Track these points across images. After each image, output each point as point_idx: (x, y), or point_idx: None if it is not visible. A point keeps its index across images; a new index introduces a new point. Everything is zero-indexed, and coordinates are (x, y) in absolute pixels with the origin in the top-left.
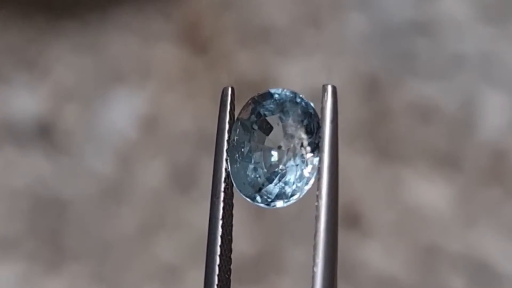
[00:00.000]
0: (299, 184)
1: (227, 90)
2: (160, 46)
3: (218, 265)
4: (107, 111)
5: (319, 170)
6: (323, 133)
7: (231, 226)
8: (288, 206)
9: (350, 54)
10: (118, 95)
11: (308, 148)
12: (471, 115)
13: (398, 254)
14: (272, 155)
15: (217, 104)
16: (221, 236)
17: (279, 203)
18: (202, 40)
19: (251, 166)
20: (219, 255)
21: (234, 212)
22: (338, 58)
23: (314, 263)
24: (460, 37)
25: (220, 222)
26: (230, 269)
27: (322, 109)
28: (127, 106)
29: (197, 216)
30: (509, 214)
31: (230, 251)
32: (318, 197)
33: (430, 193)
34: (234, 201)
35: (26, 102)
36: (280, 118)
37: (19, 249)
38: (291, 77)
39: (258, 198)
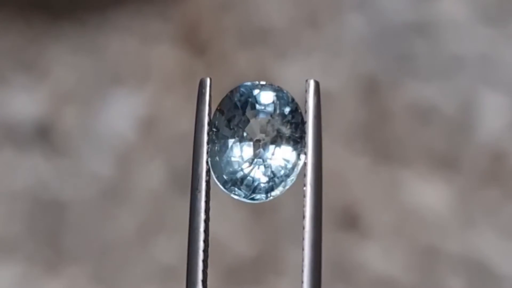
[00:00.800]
0: (280, 179)
1: (205, 81)
2: (159, 47)
3: (203, 260)
4: (106, 113)
5: (304, 165)
6: (307, 128)
7: (209, 219)
8: (269, 200)
9: (348, 56)
10: (117, 96)
11: (290, 142)
12: (470, 116)
13: (397, 255)
14: (251, 148)
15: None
16: (204, 231)
17: (259, 197)
18: (201, 41)
19: (231, 159)
20: (203, 250)
21: (233, 212)
22: (337, 59)
23: (303, 262)
24: (459, 38)
25: (203, 217)
26: (207, 264)
27: (306, 104)
28: (126, 108)
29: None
30: (508, 215)
31: (208, 245)
32: (304, 193)
33: (428, 194)
34: (232, 201)
35: (25, 103)
36: (261, 111)
37: (18, 251)
38: (290, 78)
39: (238, 192)
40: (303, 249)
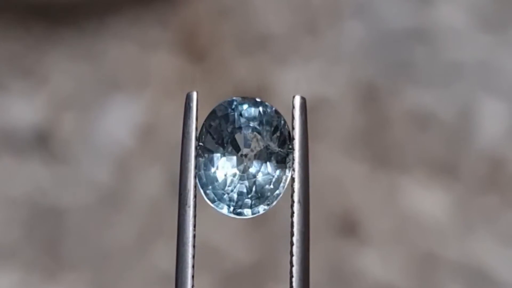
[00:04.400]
0: (266, 194)
1: (192, 95)
2: (157, 54)
3: (192, 276)
4: (104, 119)
5: (293, 180)
6: (295, 144)
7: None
8: (256, 216)
9: (347, 62)
10: (116, 103)
11: (276, 157)
12: (469, 123)
13: (396, 262)
14: (237, 163)
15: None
16: (193, 246)
17: (245, 212)
18: (199, 48)
19: (217, 174)
20: (192, 266)
21: (231, 219)
22: (336, 66)
23: (292, 278)
24: (457, 45)
25: (192, 232)
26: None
27: (293, 120)
28: (124, 114)
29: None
30: (506, 222)
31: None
32: (292, 209)
33: (427, 201)
34: None
35: (23, 110)
36: (247, 126)
37: (16, 258)
38: (289, 85)
39: (225, 207)
40: (292, 265)
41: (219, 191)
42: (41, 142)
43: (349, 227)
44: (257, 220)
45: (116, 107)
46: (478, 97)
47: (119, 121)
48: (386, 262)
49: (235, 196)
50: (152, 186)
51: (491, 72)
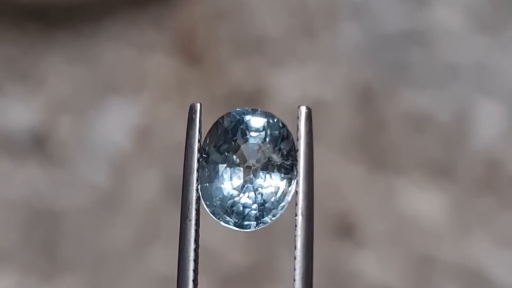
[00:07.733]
0: (270, 206)
1: (196, 106)
2: (154, 56)
3: None
4: (101, 122)
5: (296, 194)
6: (299, 156)
7: (198, 248)
8: (260, 229)
9: (344, 64)
10: (112, 105)
11: (281, 169)
12: (465, 124)
13: (393, 264)
14: (242, 175)
15: (212, 114)
16: (194, 260)
17: (249, 225)
18: (196, 51)
19: (221, 186)
20: (193, 280)
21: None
22: (332, 68)
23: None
24: (454, 47)
25: (193, 246)
26: None
27: (298, 131)
28: (121, 117)
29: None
30: (503, 223)
31: (197, 273)
32: (296, 222)
33: (424, 202)
34: None
35: (20, 113)
36: (252, 137)
37: (13, 261)
38: (285, 87)
39: (228, 219)
40: (294, 280)
41: (223, 204)
42: (38, 145)
43: (345, 229)
44: None
45: (113, 109)
46: (474, 99)
47: (116, 123)
48: (383, 264)
49: (240, 208)
50: (149, 189)
51: (487, 74)
